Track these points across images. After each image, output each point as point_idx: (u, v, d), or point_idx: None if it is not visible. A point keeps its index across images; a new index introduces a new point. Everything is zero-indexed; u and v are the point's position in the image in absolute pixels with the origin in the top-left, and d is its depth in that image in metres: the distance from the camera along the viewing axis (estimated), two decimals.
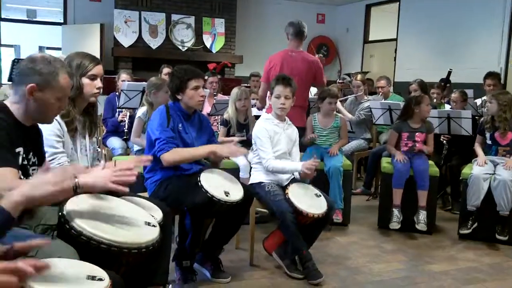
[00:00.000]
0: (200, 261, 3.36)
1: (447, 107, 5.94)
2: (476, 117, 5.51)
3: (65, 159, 2.41)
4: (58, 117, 2.43)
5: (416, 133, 4.62)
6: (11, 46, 12.81)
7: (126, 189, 1.98)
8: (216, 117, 5.32)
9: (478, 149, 4.61)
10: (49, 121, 2.15)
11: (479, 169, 4.28)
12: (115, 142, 5.16)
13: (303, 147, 4.39)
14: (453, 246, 4.26)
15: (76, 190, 1.85)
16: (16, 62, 6.01)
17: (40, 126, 2.21)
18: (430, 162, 4.61)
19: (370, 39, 11.64)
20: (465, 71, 8.05)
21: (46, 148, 2.26)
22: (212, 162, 3.39)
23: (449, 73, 6.43)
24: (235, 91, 4.82)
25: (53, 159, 2.33)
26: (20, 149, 1.96)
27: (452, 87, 6.57)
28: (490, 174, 4.25)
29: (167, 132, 3.13)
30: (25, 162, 1.99)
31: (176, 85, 3.22)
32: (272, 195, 3.43)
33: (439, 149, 5.20)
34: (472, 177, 4.25)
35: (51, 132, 2.35)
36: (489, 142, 4.55)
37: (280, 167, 3.54)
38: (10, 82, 5.49)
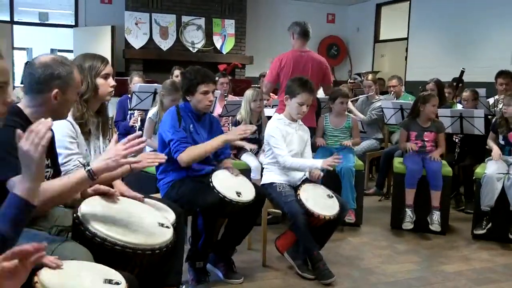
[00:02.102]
0: (213, 262, 3.37)
1: (459, 106, 5.90)
2: (489, 116, 5.46)
3: (81, 160, 2.42)
4: (71, 119, 2.45)
5: (425, 133, 4.59)
6: (23, 49, 12.93)
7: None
8: (227, 118, 5.33)
9: (491, 143, 4.55)
10: (66, 116, 2.18)
11: (492, 169, 4.24)
12: None
13: (313, 148, 4.38)
14: (467, 247, 4.23)
15: (93, 177, 1.88)
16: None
17: (53, 127, 2.21)
18: (443, 162, 4.58)
19: (380, 38, 11.58)
20: (477, 70, 7.98)
21: (59, 150, 2.26)
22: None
23: (462, 72, 6.38)
24: (250, 92, 4.78)
25: (68, 160, 2.34)
26: None
27: (465, 86, 6.52)
28: (503, 174, 4.21)
29: (179, 133, 3.15)
30: None
31: (187, 86, 3.24)
32: (284, 196, 3.43)
33: (452, 149, 5.17)
34: (485, 177, 4.21)
35: (64, 133, 2.35)
36: (502, 142, 4.51)
37: (298, 164, 3.54)
38: (22, 85, 5.53)
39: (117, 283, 1.69)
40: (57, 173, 2.19)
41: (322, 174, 3.55)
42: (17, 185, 1.58)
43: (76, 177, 1.89)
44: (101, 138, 2.70)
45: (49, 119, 1.62)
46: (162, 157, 2.40)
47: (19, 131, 1.57)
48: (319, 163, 3.50)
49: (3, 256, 1.33)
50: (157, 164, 1.99)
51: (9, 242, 1.51)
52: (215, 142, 3.20)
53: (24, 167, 1.57)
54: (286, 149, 3.56)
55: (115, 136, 2.07)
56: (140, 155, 2.47)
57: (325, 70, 4.87)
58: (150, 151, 4.42)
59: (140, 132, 1.98)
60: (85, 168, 1.88)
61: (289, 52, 4.86)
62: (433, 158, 4.45)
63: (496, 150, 4.40)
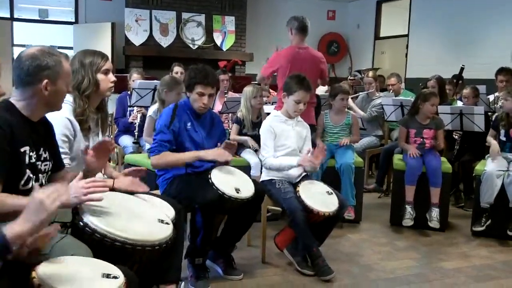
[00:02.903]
0: (212, 258, 3.38)
1: (459, 103, 5.89)
2: (489, 113, 5.46)
3: (67, 162, 2.41)
4: (71, 116, 2.45)
5: (424, 130, 4.59)
6: (23, 45, 12.90)
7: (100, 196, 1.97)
8: (227, 115, 5.33)
9: (491, 139, 4.54)
10: (60, 107, 2.16)
11: (492, 166, 4.24)
12: (126, 140, 5.18)
13: (313, 145, 4.38)
14: (466, 243, 4.24)
15: None
16: None
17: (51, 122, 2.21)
18: (443, 158, 4.58)
19: (381, 35, 11.57)
20: (478, 67, 7.98)
21: None
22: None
23: (462, 69, 6.38)
24: (249, 89, 4.75)
25: None
26: (25, 148, 1.94)
27: (465, 83, 6.51)
28: (503, 170, 4.21)
29: (164, 135, 3.15)
30: (33, 160, 1.98)
31: (186, 82, 3.25)
32: (283, 193, 3.43)
33: (452, 146, 5.16)
34: (485, 174, 4.21)
35: (59, 131, 2.35)
36: (503, 138, 4.50)
37: (276, 164, 3.54)
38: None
39: (115, 277, 1.70)
40: (56, 165, 2.19)
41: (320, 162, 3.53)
42: (9, 225, 1.55)
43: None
44: (100, 135, 2.70)
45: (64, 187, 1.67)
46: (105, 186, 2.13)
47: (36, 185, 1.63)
48: (295, 161, 3.47)
49: None
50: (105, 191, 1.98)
51: None
52: (188, 156, 3.16)
53: (28, 214, 1.55)
54: (271, 151, 3.57)
55: (80, 174, 2.03)
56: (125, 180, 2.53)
57: (322, 66, 4.87)
58: (149, 148, 4.43)
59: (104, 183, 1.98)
60: None
61: (287, 48, 4.85)
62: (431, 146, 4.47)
63: (494, 147, 4.39)
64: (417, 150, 4.46)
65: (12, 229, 1.53)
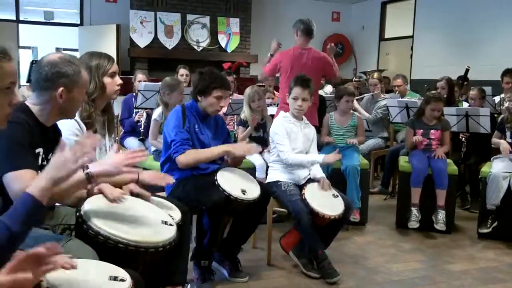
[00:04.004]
0: (218, 261, 3.37)
1: (465, 104, 5.88)
2: (495, 115, 5.44)
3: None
4: (78, 118, 2.45)
5: (431, 130, 4.58)
6: (29, 48, 12.98)
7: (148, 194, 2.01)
8: (232, 117, 5.33)
9: (497, 140, 4.53)
10: (74, 116, 2.21)
11: (498, 168, 4.23)
12: (132, 142, 5.19)
13: (319, 147, 4.38)
14: (473, 246, 4.22)
15: (90, 180, 1.87)
16: (34, 63, 6.07)
17: (60, 126, 2.23)
18: (449, 160, 4.56)
19: (386, 36, 11.56)
20: (483, 68, 7.96)
21: None
22: (231, 164, 3.37)
23: (467, 70, 6.36)
24: (248, 91, 4.76)
25: None
26: (40, 150, 1.98)
27: (470, 84, 6.49)
28: (509, 172, 4.19)
29: (182, 134, 3.14)
30: (45, 163, 2.01)
31: (202, 87, 3.21)
32: (289, 195, 3.43)
33: (458, 147, 5.14)
34: (491, 176, 4.20)
35: (71, 132, 2.36)
36: (509, 140, 4.49)
37: (299, 160, 3.56)
38: (28, 84, 5.55)
39: (122, 280, 1.70)
40: None
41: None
42: (33, 183, 1.59)
43: (73, 179, 1.89)
44: (107, 136, 2.70)
45: (98, 136, 1.67)
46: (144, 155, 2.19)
47: (63, 141, 1.62)
48: (320, 158, 3.55)
49: (13, 264, 1.32)
50: (144, 160, 2.00)
51: (18, 240, 1.52)
52: (217, 150, 3.19)
53: (53, 169, 1.60)
54: (289, 146, 3.57)
55: (115, 146, 2.07)
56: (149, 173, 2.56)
57: (325, 66, 4.91)
58: (155, 150, 4.44)
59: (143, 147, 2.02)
60: (83, 170, 1.87)
61: (290, 49, 4.92)
62: (438, 156, 4.44)
63: (505, 146, 4.35)
64: (421, 137, 4.48)
65: (35, 186, 1.57)
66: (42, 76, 1.99)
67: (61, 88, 1.99)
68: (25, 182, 1.75)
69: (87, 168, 1.86)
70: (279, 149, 3.60)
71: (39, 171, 1.96)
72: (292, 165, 3.58)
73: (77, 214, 2.02)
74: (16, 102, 1.68)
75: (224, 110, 5.34)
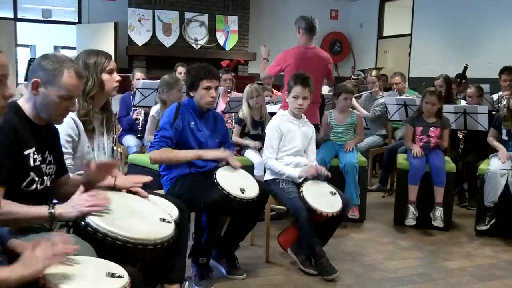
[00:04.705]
0: (216, 258, 3.38)
1: (463, 102, 5.88)
2: (493, 113, 5.45)
3: (70, 161, 2.42)
4: (75, 116, 2.45)
5: (431, 128, 4.58)
6: (26, 46, 12.95)
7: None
8: (231, 115, 5.33)
9: (495, 142, 4.53)
10: (57, 121, 2.11)
11: (496, 165, 4.23)
12: (130, 140, 5.19)
13: (317, 144, 4.38)
14: (470, 243, 4.23)
15: (52, 219, 1.92)
16: (32, 61, 6.07)
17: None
18: (447, 158, 4.57)
19: (384, 34, 11.57)
20: (481, 66, 7.96)
21: None
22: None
23: (465, 68, 6.37)
24: (247, 89, 4.78)
25: None
26: (29, 151, 1.95)
27: (468, 82, 6.50)
28: (507, 169, 4.20)
29: (166, 131, 3.16)
30: (38, 163, 1.99)
31: (190, 82, 3.25)
32: (287, 192, 3.43)
33: (456, 145, 5.15)
34: (489, 173, 4.21)
35: (64, 131, 2.36)
36: (505, 138, 4.49)
37: (277, 169, 3.57)
38: (26, 82, 5.55)
39: (120, 276, 1.70)
40: (60, 170, 2.20)
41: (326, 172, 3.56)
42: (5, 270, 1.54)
43: (36, 213, 1.88)
44: (105, 134, 2.70)
45: (72, 239, 1.71)
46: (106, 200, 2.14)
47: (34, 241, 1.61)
48: (297, 172, 3.53)
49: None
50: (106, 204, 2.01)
51: None
52: (191, 155, 3.18)
53: (20, 265, 1.54)
54: (274, 152, 3.61)
55: (81, 187, 2.03)
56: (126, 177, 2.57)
57: (329, 67, 4.88)
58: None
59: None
60: (49, 207, 1.89)
61: (294, 48, 4.82)
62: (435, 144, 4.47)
63: (503, 151, 4.36)
64: (421, 150, 4.45)
65: (2, 271, 1.52)
66: (30, 68, 2.01)
67: (35, 79, 1.97)
68: None
69: (53, 207, 1.89)
70: (264, 151, 3.65)
71: (31, 172, 1.95)
72: (268, 169, 3.64)
73: None
74: (8, 95, 1.67)
75: (222, 108, 5.35)
